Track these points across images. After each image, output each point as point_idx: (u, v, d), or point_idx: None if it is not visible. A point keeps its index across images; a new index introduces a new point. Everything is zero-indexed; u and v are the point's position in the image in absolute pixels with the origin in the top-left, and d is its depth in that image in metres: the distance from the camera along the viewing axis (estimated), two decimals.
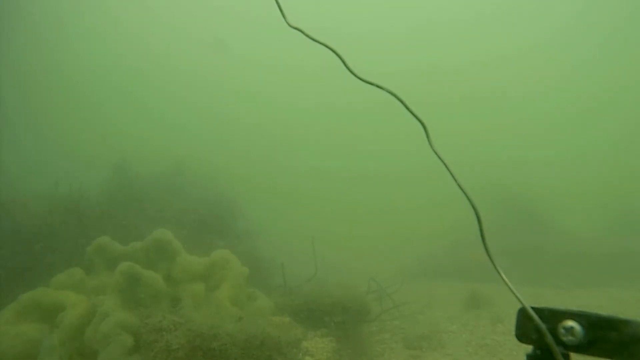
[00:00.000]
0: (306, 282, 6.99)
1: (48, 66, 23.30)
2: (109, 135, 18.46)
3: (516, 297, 1.00)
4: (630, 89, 27.92)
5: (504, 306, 7.56)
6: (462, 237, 12.00)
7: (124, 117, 23.98)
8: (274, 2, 1.71)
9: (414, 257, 12.77)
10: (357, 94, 16.27)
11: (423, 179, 16.35)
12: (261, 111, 28.68)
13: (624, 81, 28.46)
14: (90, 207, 7.68)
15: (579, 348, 0.92)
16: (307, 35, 1.62)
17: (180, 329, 4.03)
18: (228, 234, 8.33)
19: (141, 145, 17.29)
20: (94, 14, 27.92)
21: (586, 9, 31.33)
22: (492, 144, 24.00)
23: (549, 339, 0.93)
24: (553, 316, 0.95)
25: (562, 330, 0.93)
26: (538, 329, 0.95)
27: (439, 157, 1.27)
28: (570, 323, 0.92)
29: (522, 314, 0.99)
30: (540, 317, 0.96)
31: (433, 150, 1.31)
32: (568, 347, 0.93)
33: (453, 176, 1.21)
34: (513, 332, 1.01)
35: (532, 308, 0.97)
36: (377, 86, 1.48)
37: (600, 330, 0.90)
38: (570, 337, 0.92)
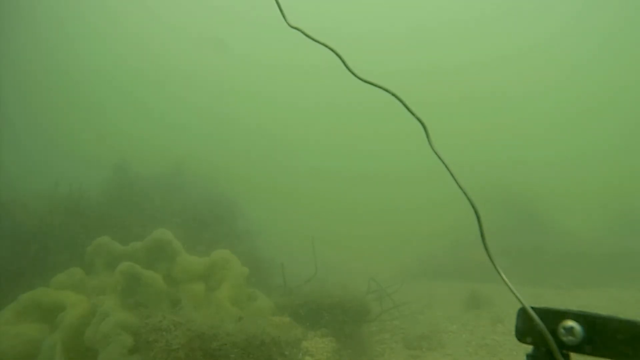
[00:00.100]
0: (306, 282, 6.99)
1: (48, 66, 23.30)
2: (109, 135, 18.47)
3: (516, 297, 1.00)
4: (630, 89, 27.92)
5: (504, 306, 7.56)
6: (462, 237, 12.00)
7: (124, 117, 23.99)
8: (274, 2, 1.71)
9: (414, 257, 12.77)
10: (357, 94, 16.26)
11: (423, 179, 16.34)
12: (261, 111, 28.68)
13: (624, 81, 28.46)
14: (90, 207, 7.69)
15: (579, 348, 0.92)
16: (307, 35, 1.62)
17: (180, 329, 4.03)
18: (228, 234, 8.33)
19: (141, 145, 17.30)
20: (94, 14, 27.92)
21: (586, 9, 31.33)
22: (492, 144, 24.01)
23: (549, 339, 0.93)
24: (553, 316, 0.95)
25: (562, 330, 0.93)
26: (538, 329, 0.95)
27: (439, 157, 1.27)
28: (570, 323, 0.92)
29: (522, 314, 0.99)
30: (540, 317, 0.96)
31: (433, 150, 1.31)
32: (568, 347, 0.93)
33: (453, 176, 1.21)
34: (513, 332, 1.01)
35: (532, 308, 0.97)
36: (377, 86, 1.48)
37: (600, 330, 0.90)
38: (570, 337, 0.92)
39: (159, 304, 4.67)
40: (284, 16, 1.71)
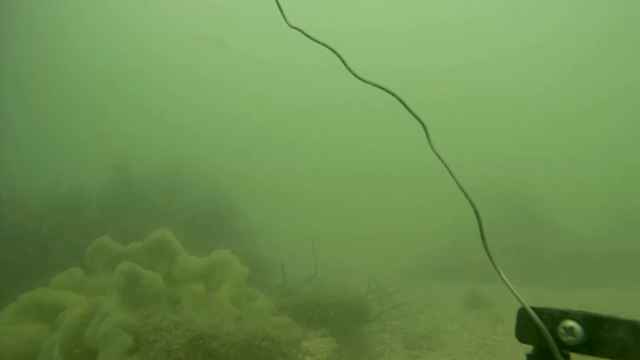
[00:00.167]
0: (306, 282, 6.99)
1: (48, 66, 23.31)
2: (109, 135, 18.47)
3: (516, 297, 1.00)
4: (630, 89, 27.93)
5: (504, 306, 7.56)
6: (462, 237, 12.00)
7: (124, 117, 23.99)
8: (274, 2, 1.71)
9: (414, 257, 12.77)
10: (357, 94, 16.26)
11: (423, 179, 16.35)
12: (261, 111, 28.69)
13: (624, 81, 28.47)
14: (90, 207, 7.69)
15: (579, 348, 0.92)
16: (307, 35, 1.62)
17: (180, 329, 4.03)
18: (228, 234, 8.33)
19: (141, 145, 17.30)
20: (94, 14, 27.93)
21: (586, 9, 31.33)
22: (492, 144, 24.01)
23: (549, 339, 0.93)
24: (553, 316, 0.95)
25: (562, 330, 0.93)
26: (538, 329, 0.95)
27: (439, 157, 1.27)
28: (570, 323, 0.92)
29: (522, 314, 0.99)
30: (540, 317, 0.96)
31: (433, 150, 1.31)
32: (568, 347, 0.93)
33: (453, 176, 1.21)
34: (513, 332, 1.01)
35: (532, 308, 0.97)
36: (377, 86, 1.48)
37: (600, 330, 0.90)
38: (570, 337, 0.92)
39: (159, 304, 4.67)
40: (284, 16, 1.71)
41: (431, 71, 30.87)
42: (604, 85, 29.46)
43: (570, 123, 26.82)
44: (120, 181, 9.17)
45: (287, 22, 1.70)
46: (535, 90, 30.31)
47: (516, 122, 27.45)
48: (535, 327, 0.96)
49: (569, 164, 21.41)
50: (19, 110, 19.58)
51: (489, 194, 13.62)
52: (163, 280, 4.94)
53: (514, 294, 1.00)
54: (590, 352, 0.91)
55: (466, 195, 1.18)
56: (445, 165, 1.24)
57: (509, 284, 1.03)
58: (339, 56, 1.55)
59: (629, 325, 0.87)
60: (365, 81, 1.50)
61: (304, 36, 1.63)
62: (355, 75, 1.51)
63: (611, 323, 0.89)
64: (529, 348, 0.99)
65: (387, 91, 1.44)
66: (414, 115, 1.35)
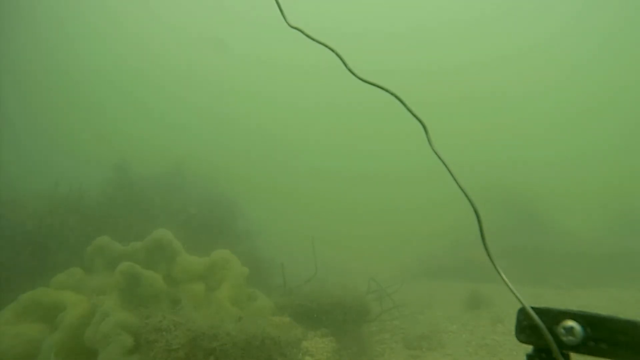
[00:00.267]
0: (306, 282, 6.99)
1: (48, 66, 23.31)
2: (109, 135, 18.48)
3: (516, 297, 1.00)
4: (630, 89, 27.93)
5: (504, 306, 7.56)
6: (462, 237, 12.00)
7: (124, 117, 24.00)
8: (274, 2, 1.71)
9: (414, 257, 12.77)
10: (357, 94, 16.27)
11: (423, 179, 16.36)
12: (261, 111, 28.70)
13: (624, 81, 28.47)
14: (90, 207, 7.69)
15: (579, 348, 0.92)
16: (307, 35, 1.62)
17: (180, 329, 4.03)
18: (228, 234, 8.33)
19: (141, 145, 17.30)
20: (94, 14, 27.93)
21: (586, 9, 31.33)
22: (492, 144, 24.01)
23: (549, 339, 0.93)
24: (553, 316, 0.95)
25: (562, 330, 0.93)
26: (538, 329, 0.95)
27: (439, 157, 1.27)
28: (570, 323, 0.92)
29: (522, 314, 0.99)
30: (540, 317, 0.96)
31: (433, 150, 1.31)
32: (568, 347, 0.93)
33: (453, 176, 1.21)
34: (513, 332, 1.01)
35: (532, 308, 0.97)
36: (377, 86, 1.48)
37: (600, 330, 0.90)
38: (570, 337, 0.92)
39: (159, 304, 4.67)
40: (284, 16, 1.71)
41: (431, 71, 30.87)
42: (604, 85, 29.46)
43: (570, 123, 26.82)
44: (120, 181, 9.17)
45: (287, 22, 1.70)
46: (535, 90, 30.32)
47: (516, 122, 27.46)
48: (535, 327, 0.96)
49: (569, 164, 21.41)
50: (19, 110, 19.58)
51: (489, 194, 13.62)
52: (163, 280, 4.94)
53: (514, 294, 1.00)
54: (590, 352, 0.91)
55: (466, 195, 1.18)
56: (445, 165, 1.24)
57: (509, 284, 1.03)
58: (339, 56, 1.55)
59: (629, 325, 0.87)
60: (365, 81, 1.50)
61: (304, 36, 1.63)
62: (355, 75, 1.51)
63: (611, 323, 0.89)
64: (529, 348, 0.99)
65: (387, 91, 1.44)
66: (414, 115, 1.35)
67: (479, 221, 1.16)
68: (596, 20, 31.00)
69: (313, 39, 1.60)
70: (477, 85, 30.09)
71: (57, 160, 16.27)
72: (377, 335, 6.80)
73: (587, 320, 0.91)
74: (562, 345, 0.93)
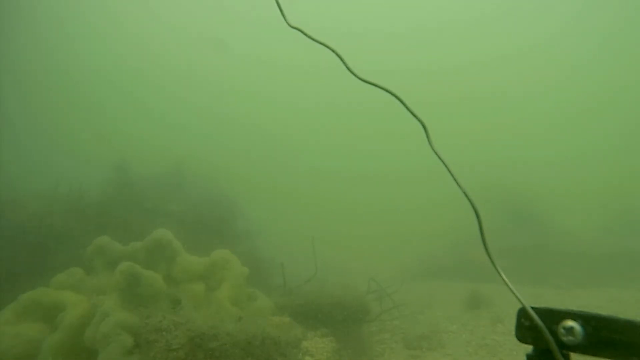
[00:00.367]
0: (306, 282, 6.99)
1: (48, 66, 23.31)
2: (109, 135, 18.48)
3: (516, 297, 1.00)
4: (630, 89, 27.93)
5: (504, 306, 7.56)
6: (462, 237, 11.99)
7: (124, 117, 24.00)
8: (274, 2, 1.71)
9: (414, 257, 12.77)
10: (357, 94, 16.27)
11: (423, 179, 16.35)
12: (261, 111, 28.70)
13: (624, 81, 28.47)
14: (90, 207, 7.68)
15: (579, 348, 0.92)
16: (307, 35, 1.62)
17: (180, 329, 4.03)
18: (228, 234, 8.33)
19: (141, 145, 17.30)
20: (94, 14, 27.93)
21: (586, 9, 31.33)
22: (492, 144, 24.02)
23: (549, 339, 0.93)
24: (553, 316, 0.95)
25: (562, 330, 0.93)
26: (538, 329, 0.95)
27: (439, 157, 1.27)
28: (570, 323, 0.92)
29: (522, 314, 0.99)
30: (540, 317, 0.96)
31: (433, 150, 1.31)
32: (568, 347, 0.93)
33: (453, 176, 1.21)
34: (513, 332, 1.01)
35: (532, 308, 0.97)
36: (377, 86, 1.48)
37: (600, 330, 0.90)
38: (570, 337, 0.92)
39: (159, 304, 4.67)
40: (284, 16, 1.71)
41: (431, 71, 30.87)
42: (604, 86, 29.47)
43: (570, 123, 26.83)
44: (120, 181, 9.17)
45: (287, 22, 1.70)
46: (535, 91, 30.32)
47: (516, 122, 27.46)
48: (535, 327, 0.96)
49: (569, 164, 21.41)
50: (19, 110, 19.58)
51: (489, 194, 13.62)
52: (163, 280, 4.94)
53: (514, 294, 1.00)
54: (590, 353, 0.91)
55: (466, 195, 1.18)
56: (445, 165, 1.24)
57: (509, 284, 1.03)
58: (339, 56, 1.55)
59: (629, 325, 0.87)
60: (365, 81, 1.50)
61: (304, 36, 1.63)
62: (355, 75, 1.51)
63: (611, 323, 0.89)
64: (529, 348, 0.99)
65: (387, 91, 1.44)
66: (414, 115, 1.35)
67: (479, 221, 1.16)
68: (596, 20, 31.01)
69: (313, 39, 1.60)
70: (477, 85, 30.09)
71: (57, 160, 16.28)
72: (377, 335, 6.80)
73: (587, 320, 0.91)
74: (562, 345, 0.93)
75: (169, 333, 4.00)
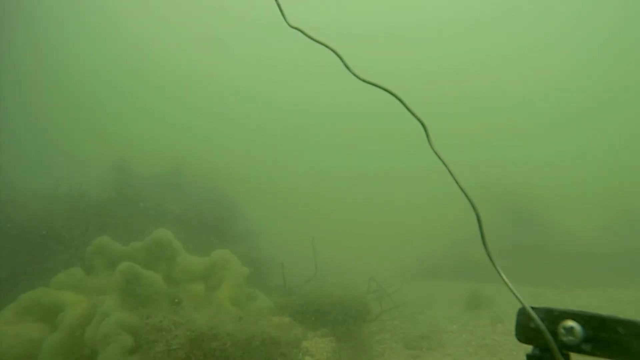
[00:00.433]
0: (306, 282, 6.99)
1: (48, 66, 23.30)
2: (109, 135, 18.49)
3: (516, 297, 1.00)
4: (630, 89, 27.94)
5: (504, 306, 7.56)
6: (462, 237, 11.99)
7: (124, 117, 24.00)
8: (274, 2, 1.71)
9: (414, 257, 12.77)
10: (357, 94, 16.27)
11: (423, 179, 16.36)
12: (261, 111, 28.71)
13: (624, 81, 28.47)
14: (90, 207, 7.68)
15: (579, 348, 0.92)
16: (307, 35, 1.62)
17: (180, 329, 4.03)
18: (228, 234, 8.33)
19: (141, 145, 17.30)
20: (94, 14, 27.93)
21: (586, 9, 31.33)
22: (492, 144, 24.02)
23: (549, 339, 0.93)
24: (553, 316, 0.95)
25: (562, 330, 0.93)
26: (538, 329, 0.95)
27: (439, 157, 1.27)
28: (570, 323, 0.92)
29: (522, 314, 0.99)
30: (540, 317, 0.96)
31: (433, 150, 1.31)
32: (568, 347, 0.93)
33: (453, 176, 1.21)
34: (513, 332, 1.01)
35: (532, 308, 0.97)
36: (377, 86, 1.48)
37: (600, 330, 0.90)
38: (570, 337, 0.92)
39: (159, 304, 4.67)
40: (284, 16, 1.71)
41: (431, 71, 30.88)
42: (604, 86, 29.47)
43: (570, 123, 26.83)
44: (121, 181, 9.17)
45: (287, 22, 1.70)
46: (535, 91, 30.33)
47: (516, 122, 27.47)
48: (535, 327, 0.96)
49: (569, 164, 21.42)
50: (19, 110, 19.58)
51: (489, 194, 13.62)
52: (163, 280, 4.94)
53: (514, 294, 1.00)
54: (590, 352, 0.91)
55: (466, 196, 1.18)
56: (445, 165, 1.24)
57: (509, 284, 1.03)
58: (339, 56, 1.55)
59: (629, 325, 0.87)
60: (365, 81, 1.50)
61: (304, 36, 1.63)
62: (355, 75, 1.51)
63: (611, 323, 0.89)
64: (529, 348, 0.99)
65: (387, 91, 1.44)
66: (414, 115, 1.35)
67: (479, 221, 1.16)
68: (596, 20, 31.01)
69: (313, 39, 1.60)
70: (477, 85, 30.10)
71: (57, 160, 16.28)
72: (377, 335, 6.80)
73: (587, 320, 0.91)
74: (562, 345, 0.93)
75: (169, 333, 4.00)
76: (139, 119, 24.26)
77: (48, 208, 7.23)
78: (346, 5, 35.75)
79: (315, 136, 26.97)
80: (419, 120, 1.35)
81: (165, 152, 14.20)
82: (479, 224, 1.16)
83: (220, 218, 8.78)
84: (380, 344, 6.50)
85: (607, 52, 31.04)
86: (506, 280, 1.06)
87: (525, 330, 0.98)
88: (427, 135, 1.35)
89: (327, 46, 1.59)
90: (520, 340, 1.00)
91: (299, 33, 1.65)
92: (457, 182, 1.21)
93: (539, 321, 0.95)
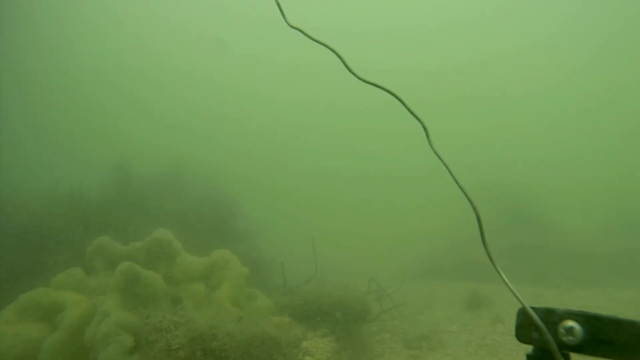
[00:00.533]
0: (306, 282, 6.99)
1: (48, 66, 23.30)
2: (109, 135, 18.49)
3: (516, 297, 1.00)
4: (630, 89, 27.94)
5: (504, 306, 7.56)
6: (462, 237, 11.99)
7: (124, 117, 24.01)
8: (274, 2, 1.71)
9: (414, 257, 12.77)
10: (358, 94, 16.28)
11: (423, 179, 16.37)
12: (261, 111, 28.72)
13: (624, 81, 28.47)
14: (90, 207, 7.68)
15: (579, 348, 0.92)
16: (307, 35, 1.62)
17: (180, 329, 4.03)
18: (228, 234, 8.33)
19: (141, 145, 17.30)
20: (94, 14, 27.94)
21: (586, 9, 31.33)
22: (492, 144, 24.03)
23: (549, 339, 0.93)
24: (553, 316, 0.95)
25: (562, 330, 0.93)
26: (538, 329, 0.95)
27: (439, 157, 1.27)
28: (570, 323, 0.92)
29: (522, 314, 0.99)
30: (540, 317, 0.96)
31: (433, 150, 1.31)
32: (568, 347, 0.93)
33: (453, 176, 1.21)
34: (513, 332, 1.01)
35: (532, 308, 0.97)
36: (377, 86, 1.48)
37: (600, 330, 0.90)
38: (570, 337, 0.92)
39: (159, 304, 4.67)
40: (284, 16, 1.71)
41: (431, 71, 30.89)
42: (604, 86, 29.47)
43: (570, 123, 26.83)
44: (120, 181, 9.17)
45: (287, 22, 1.70)
46: (535, 91, 30.34)
47: (516, 122, 27.47)
48: (535, 327, 0.96)
49: (569, 164, 21.42)
50: (19, 110, 19.58)
51: (489, 194, 13.62)
52: (163, 280, 4.94)
53: (514, 294, 1.00)
54: (590, 352, 0.91)
55: (466, 196, 1.18)
56: (445, 165, 1.24)
57: (509, 284, 1.03)
58: (339, 56, 1.55)
59: (629, 325, 0.87)
60: (365, 81, 1.50)
61: (304, 36, 1.63)
62: (355, 75, 1.51)
63: (611, 323, 0.89)
64: (529, 348, 0.99)
65: (387, 91, 1.44)
66: (414, 116, 1.35)
67: (479, 221, 1.16)
68: (596, 20, 31.02)
69: (313, 39, 1.60)
70: (477, 85, 30.11)
71: (57, 160, 16.28)
72: (377, 335, 6.80)
73: (587, 320, 0.91)
74: (562, 345, 0.93)
75: (169, 333, 4.00)
76: (139, 119, 24.27)
77: (48, 208, 7.23)
78: (346, 5, 35.76)
79: (315, 136, 26.98)
80: (419, 120, 1.35)
81: (165, 152, 14.20)
82: (479, 224, 1.16)
83: (220, 218, 8.78)
84: (380, 344, 6.50)
85: (607, 52, 31.05)
86: (506, 280, 1.06)
87: (525, 330, 0.98)
88: (427, 135, 1.35)
89: (327, 46, 1.59)
90: (520, 340, 1.00)
91: (299, 33, 1.65)
92: (457, 182, 1.21)
93: (539, 321, 0.95)
